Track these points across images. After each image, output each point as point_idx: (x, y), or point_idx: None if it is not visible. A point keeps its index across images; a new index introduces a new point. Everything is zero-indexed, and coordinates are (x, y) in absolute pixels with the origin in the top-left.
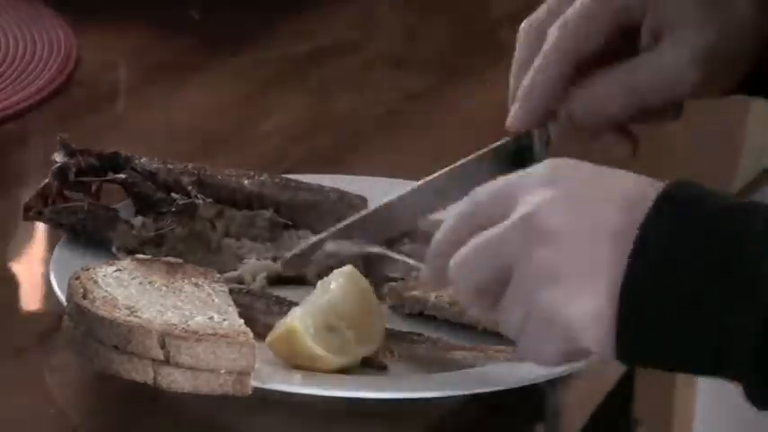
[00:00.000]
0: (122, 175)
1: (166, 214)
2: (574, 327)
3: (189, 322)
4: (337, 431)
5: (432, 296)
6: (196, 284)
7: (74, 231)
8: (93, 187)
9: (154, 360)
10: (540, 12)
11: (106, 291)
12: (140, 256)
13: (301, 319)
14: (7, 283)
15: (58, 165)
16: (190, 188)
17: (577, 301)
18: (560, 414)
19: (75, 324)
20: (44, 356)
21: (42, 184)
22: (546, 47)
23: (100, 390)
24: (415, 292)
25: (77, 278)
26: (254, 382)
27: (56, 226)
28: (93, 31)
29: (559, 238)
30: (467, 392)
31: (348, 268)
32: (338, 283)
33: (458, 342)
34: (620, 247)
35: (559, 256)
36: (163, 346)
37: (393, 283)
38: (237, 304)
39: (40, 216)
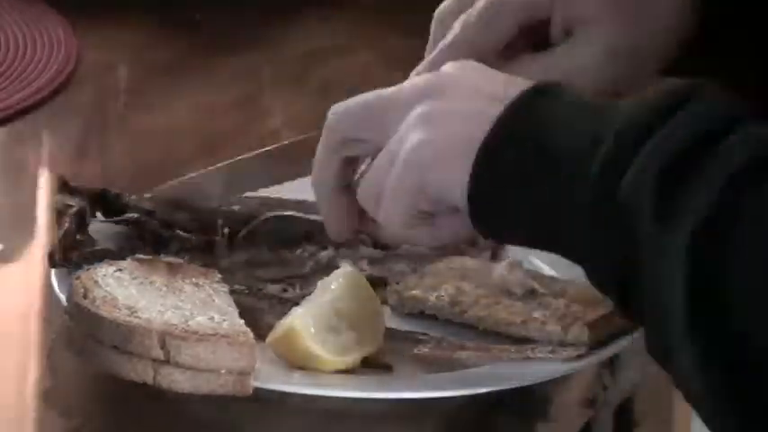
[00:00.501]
0: (135, 215)
1: (186, 251)
2: (429, 167)
3: (189, 322)
4: (337, 431)
5: (432, 296)
6: (196, 284)
7: None
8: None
9: (154, 360)
10: (451, 1)
11: (106, 291)
12: (140, 256)
13: (302, 319)
14: (8, 282)
15: (76, 209)
16: (221, 224)
17: (440, 142)
18: (560, 414)
19: (75, 324)
20: (44, 356)
21: (63, 231)
22: (444, 41)
23: (100, 390)
24: (414, 292)
25: (78, 278)
26: (254, 382)
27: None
28: (93, 31)
29: (439, 98)
30: (470, 392)
31: (348, 268)
32: (338, 283)
33: (461, 341)
34: (492, 109)
35: (435, 109)
36: (163, 346)
37: (395, 285)
38: (239, 304)
39: (67, 263)
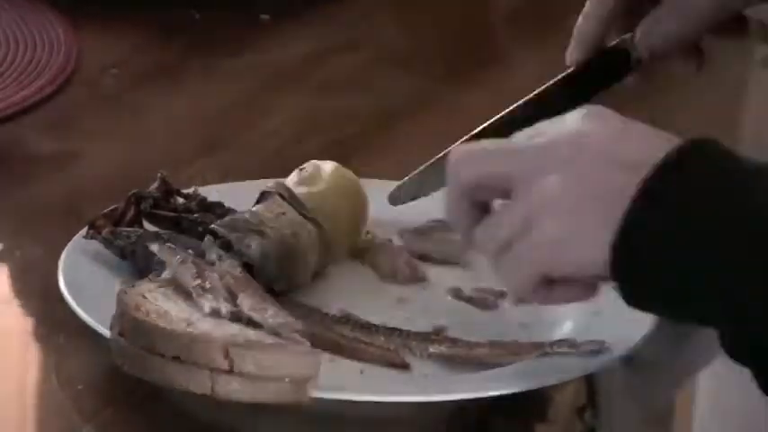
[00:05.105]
0: (196, 216)
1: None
2: (569, 245)
3: (246, 331)
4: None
5: None
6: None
7: (122, 255)
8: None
9: (212, 370)
10: None
11: (156, 305)
12: (156, 278)
13: None
14: (10, 283)
15: (135, 192)
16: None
17: (579, 225)
18: (559, 415)
19: (130, 338)
20: (46, 358)
21: (111, 207)
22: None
23: (100, 390)
24: None
25: (125, 292)
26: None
27: (108, 247)
28: (93, 31)
29: (571, 168)
30: (484, 395)
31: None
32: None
33: (477, 340)
34: (631, 179)
35: (568, 182)
36: (226, 356)
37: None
38: None
39: (97, 236)
